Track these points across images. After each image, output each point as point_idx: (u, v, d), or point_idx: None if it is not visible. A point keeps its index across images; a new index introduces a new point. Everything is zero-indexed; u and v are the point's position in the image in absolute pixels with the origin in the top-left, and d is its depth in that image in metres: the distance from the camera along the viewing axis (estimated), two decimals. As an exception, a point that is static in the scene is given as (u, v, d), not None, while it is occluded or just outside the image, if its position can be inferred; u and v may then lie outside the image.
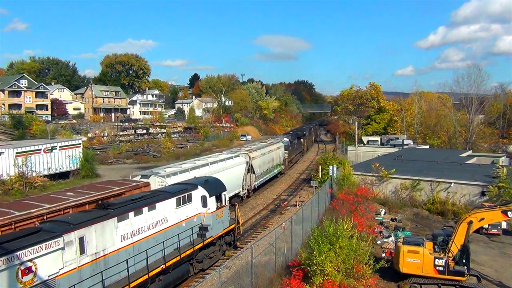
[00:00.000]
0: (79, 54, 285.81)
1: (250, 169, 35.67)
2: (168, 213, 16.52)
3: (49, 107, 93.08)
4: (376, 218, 26.23)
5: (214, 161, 29.92)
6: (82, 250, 12.39)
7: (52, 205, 16.23)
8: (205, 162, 29.15)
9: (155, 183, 22.73)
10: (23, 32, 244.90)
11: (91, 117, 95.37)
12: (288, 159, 51.72)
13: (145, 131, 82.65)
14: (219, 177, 25.21)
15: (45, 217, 15.12)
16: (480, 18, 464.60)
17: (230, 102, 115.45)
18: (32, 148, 38.86)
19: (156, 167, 28.02)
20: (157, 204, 15.97)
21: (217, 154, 34.70)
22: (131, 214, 14.56)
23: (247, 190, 35.54)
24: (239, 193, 33.14)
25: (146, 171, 26.14)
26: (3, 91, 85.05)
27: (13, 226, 14.13)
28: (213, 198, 19.18)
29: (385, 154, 47.58)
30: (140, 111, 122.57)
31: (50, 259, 11.34)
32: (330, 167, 32.65)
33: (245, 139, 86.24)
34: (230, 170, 30.90)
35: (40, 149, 39.56)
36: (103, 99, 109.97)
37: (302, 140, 66.68)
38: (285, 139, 53.45)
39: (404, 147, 53.59)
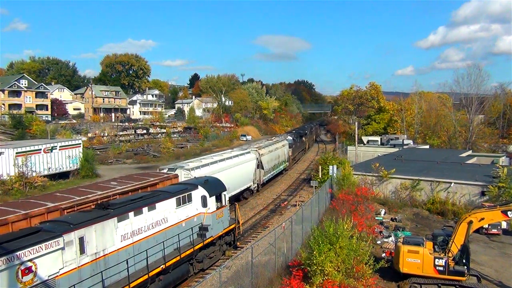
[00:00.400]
0: (79, 54, 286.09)
1: (259, 165, 37.92)
2: (168, 213, 16.52)
3: (49, 107, 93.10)
4: (376, 218, 26.23)
5: (229, 157, 32.14)
6: (82, 250, 12.38)
7: (104, 192, 18.88)
8: (221, 158, 31.23)
9: (181, 175, 24.89)
10: (23, 32, 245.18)
11: (91, 117, 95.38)
12: (292, 156, 54.10)
13: (145, 131, 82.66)
14: (233, 172, 30.97)
15: (98, 202, 17.40)
16: (480, 18, 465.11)
17: (230, 102, 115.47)
18: (32, 148, 38.86)
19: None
20: (157, 204, 15.97)
21: (230, 151, 36.59)
22: (131, 214, 14.56)
23: (257, 184, 37.93)
24: (250, 186, 35.60)
25: (171, 165, 29.05)
26: (3, 91, 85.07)
27: (75, 209, 16.74)
28: (213, 198, 19.18)
29: (385, 154, 47.58)
30: (140, 111, 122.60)
31: (50, 259, 11.34)
32: (330, 167, 32.65)
33: (245, 139, 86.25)
34: (243, 165, 33.32)
35: (40, 149, 39.56)
36: (103, 99, 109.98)
37: (304, 139, 69.23)
38: (289, 137, 56.34)
39: (404, 147, 53.60)
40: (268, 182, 41.71)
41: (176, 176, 24.50)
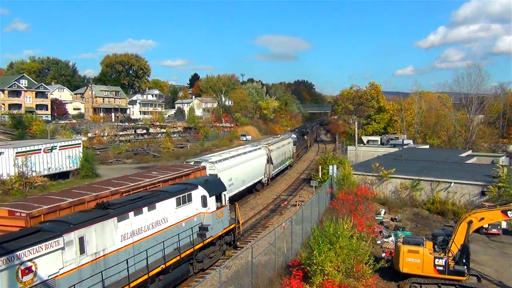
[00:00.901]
0: (79, 54, 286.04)
1: (269, 160, 41.25)
2: (168, 213, 16.52)
3: (49, 107, 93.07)
4: (376, 218, 26.23)
5: (244, 152, 35.57)
6: (82, 250, 12.38)
7: (151, 179, 22.07)
8: (237, 153, 34.38)
9: (207, 167, 27.90)
10: (23, 32, 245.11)
11: (91, 117, 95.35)
12: (296, 153, 57.75)
13: (145, 131, 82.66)
14: (249, 165, 34.47)
15: (147, 188, 20.66)
16: (480, 18, 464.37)
17: (230, 102, 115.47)
18: (32, 148, 38.86)
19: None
20: (157, 204, 15.97)
21: (243, 147, 39.91)
22: (131, 214, 14.56)
23: (267, 178, 41.21)
24: (261, 180, 39.00)
25: (196, 158, 32.48)
26: (3, 91, 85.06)
27: (131, 192, 19.60)
28: (213, 198, 19.18)
29: (385, 154, 47.56)
30: (140, 111, 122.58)
31: (50, 259, 11.34)
32: (330, 167, 32.63)
33: (245, 139, 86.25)
34: (256, 160, 36.61)
35: (40, 149, 39.56)
36: (103, 99, 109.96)
37: (306, 137, 73.13)
38: (293, 135, 60.32)
39: (404, 147, 53.58)
40: (275, 176, 45.27)
41: (204, 168, 27.73)
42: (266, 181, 40.74)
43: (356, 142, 51.38)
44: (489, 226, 22.78)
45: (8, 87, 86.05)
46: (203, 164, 28.32)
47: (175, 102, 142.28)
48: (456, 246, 15.54)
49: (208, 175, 25.87)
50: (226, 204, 20.72)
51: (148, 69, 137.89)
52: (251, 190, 37.07)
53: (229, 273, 15.09)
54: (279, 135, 62.84)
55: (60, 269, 11.63)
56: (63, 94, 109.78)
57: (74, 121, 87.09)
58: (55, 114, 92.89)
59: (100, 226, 13.14)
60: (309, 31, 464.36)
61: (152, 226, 15.55)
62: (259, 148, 39.35)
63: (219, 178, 26.37)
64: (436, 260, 15.68)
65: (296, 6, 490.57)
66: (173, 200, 16.94)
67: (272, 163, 42.01)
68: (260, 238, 19.79)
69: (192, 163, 29.11)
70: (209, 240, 18.81)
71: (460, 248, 15.53)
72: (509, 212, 15.09)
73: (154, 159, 60.02)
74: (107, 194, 18.55)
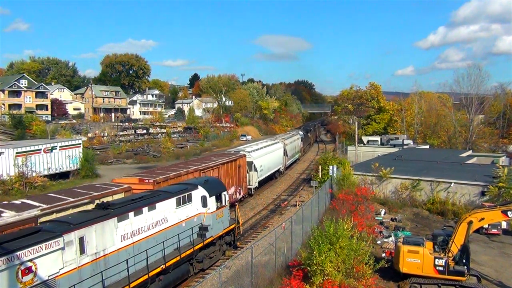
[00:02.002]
0: (79, 54, 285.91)
1: (285, 152, 48.42)
2: (168, 213, 16.52)
3: (49, 107, 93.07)
4: (376, 218, 26.23)
5: (268, 145, 43.00)
6: (82, 250, 12.38)
7: (213, 162, 28.68)
8: (264, 145, 41.64)
9: (246, 156, 34.81)
10: (23, 32, 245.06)
11: (91, 117, 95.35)
12: (302, 148, 65.94)
13: (145, 131, 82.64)
14: (272, 156, 42.24)
15: (213, 168, 27.67)
16: (480, 18, 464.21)
17: (230, 102, 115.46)
18: (32, 148, 38.86)
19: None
20: (157, 204, 15.97)
21: (265, 141, 47.93)
22: (131, 214, 14.56)
23: (284, 167, 48.69)
24: (279, 168, 46.39)
25: (234, 149, 40.78)
26: (3, 91, 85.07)
27: (204, 171, 26.34)
28: (213, 198, 19.18)
29: (385, 154, 47.58)
30: (140, 111, 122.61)
31: (50, 259, 11.34)
32: (330, 167, 32.63)
33: (245, 139, 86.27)
34: (276, 151, 44.21)
35: (40, 149, 39.56)
36: (103, 99, 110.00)
37: (309, 134, 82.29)
38: (300, 132, 69.15)
39: (404, 147, 53.58)
40: (289, 167, 52.73)
41: (245, 156, 34.55)
42: (283, 170, 48.45)
43: (356, 142, 51.39)
44: (489, 226, 22.78)
45: (8, 87, 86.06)
46: (241, 153, 34.93)
47: (175, 102, 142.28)
48: (456, 246, 15.54)
49: (247, 161, 34.39)
50: (226, 204, 20.71)
51: (148, 69, 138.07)
52: (272, 177, 43.76)
53: (229, 273, 15.08)
54: (289, 132, 71.71)
55: (60, 269, 11.63)
56: (63, 94, 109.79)
57: (74, 121, 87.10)
58: (55, 114, 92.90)
59: (100, 226, 13.14)
60: (310, 31, 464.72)
61: (152, 226, 15.55)
62: (277, 142, 46.59)
63: (254, 164, 36.04)
64: (436, 260, 15.68)
65: (297, 6, 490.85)
66: (173, 200, 16.93)
67: (287, 155, 49.73)
68: (260, 238, 19.79)
69: (232, 152, 36.45)
70: (209, 240, 18.81)
71: (460, 248, 15.53)
72: (509, 212, 15.10)
73: (154, 159, 60.00)
74: (192, 171, 25.60)
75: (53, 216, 15.54)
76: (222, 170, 29.47)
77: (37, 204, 16.26)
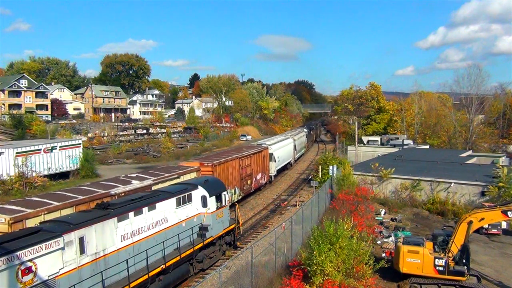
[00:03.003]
0: (80, 54, 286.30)
1: (294, 147, 54.94)
2: (168, 213, 16.52)
3: (49, 107, 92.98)
4: (376, 218, 26.23)
5: (282, 139, 50.81)
6: (82, 250, 12.38)
7: (242, 153, 34.01)
8: (279, 140, 49.58)
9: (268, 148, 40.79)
10: (24, 32, 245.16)
11: (91, 117, 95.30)
12: (307, 144, 73.86)
13: (145, 131, 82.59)
14: (286, 149, 49.98)
15: (246, 157, 33.83)
16: (480, 19, 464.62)
17: (230, 102, 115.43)
18: (32, 148, 38.84)
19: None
20: (157, 204, 15.96)
21: (277, 136, 56.88)
22: (131, 214, 14.56)
23: (293, 160, 55.24)
24: (290, 161, 52.85)
25: (257, 142, 49.31)
26: (3, 91, 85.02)
27: (242, 158, 32.60)
28: (213, 198, 19.17)
29: (385, 154, 47.56)
30: (140, 111, 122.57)
31: (50, 259, 11.34)
32: (330, 167, 32.62)
33: (245, 139, 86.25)
34: (288, 146, 51.61)
35: (40, 149, 39.54)
36: (103, 99, 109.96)
37: (312, 132, 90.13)
38: (305, 130, 77.38)
39: (404, 147, 53.57)
40: (297, 160, 59.68)
41: (267, 148, 40.51)
42: (292, 162, 55.09)
43: (356, 142, 51.40)
44: (489, 226, 22.78)
45: (8, 87, 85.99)
46: (263, 146, 41.23)
47: (175, 102, 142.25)
48: (456, 246, 15.54)
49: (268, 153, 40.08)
50: (226, 204, 20.71)
51: (148, 69, 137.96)
52: (284, 168, 49.98)
53: (229, 273, 15.05)
54: (295, 130, 79.35)
55: (60, 269, 11.63)
56: (63, 94, 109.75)
57: (74, 121, 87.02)
58: (55, 114, 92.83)
59: (100, 226, 13.14)
60: (310, 31, 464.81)
61: (152, 226, 15.55)
62: (288, 138, 53.99)
63: (273, 156, 41.96)
64: (436, 260, 15.68)
65: (297, 6, 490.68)
66: (173, 200, 16.93)
67: (295, 149, 56.36)
68: (260, 238, 19.77)
69: (255, 145, 43.19)
70: (209, 240, 18.81)
71: (460, 248, 15.53)
72: (509, 212, 15.10)
73: (154, 159, 59.97)
74: (238, 157, 32.22)
75: (163, 185, 21.26)
76: (253, 158, 35.55)
77: (149, 176, 22.52)
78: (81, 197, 17.30)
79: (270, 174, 41.39)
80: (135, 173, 24.30)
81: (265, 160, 38.92)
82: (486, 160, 43.07)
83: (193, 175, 25.12)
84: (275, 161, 42.69)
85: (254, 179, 35.48)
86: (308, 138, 75.64)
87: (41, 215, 15.17)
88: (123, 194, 18.78)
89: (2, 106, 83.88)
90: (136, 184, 20.70)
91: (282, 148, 47.25)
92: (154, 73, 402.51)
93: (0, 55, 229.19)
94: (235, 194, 30.36)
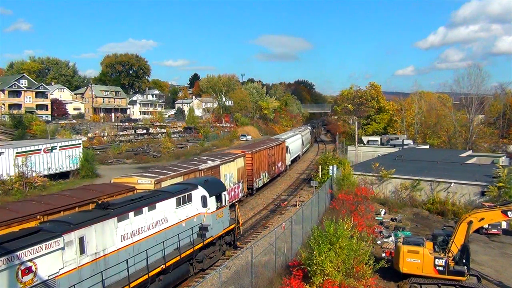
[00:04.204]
0: (80, 54, 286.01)
1: (302, 142, 63.65)
2: (168, 213, 16.52)
3: (49, 107, 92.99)
4: (376, 218, 26.23)
5: (292, 135, 59.27)
6: (82, 250, 12.38)
7: (272, 143, 42.64)
8: (291, 135, 59.20)
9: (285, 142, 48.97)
10: (24, 32, 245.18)
11: (91, 117, 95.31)
12: (311, 140, 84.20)
13: (145, 131, 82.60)
14: (296, 144, 57.79)
15: (270, 148, 40.91)
16: (480, 19, 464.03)
17: (230, 102, 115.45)
18: (32, 148, 38.85)
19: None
20: (157, 204, 15.96)
21: (287, 133, 66.12)
22: (131, 214, 14.56)
23: (301, 153, 64.02)
24: (299, 154, 61.17)
25: (275, 136, 61.28)
26: (3, 91, 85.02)
27: (270, 148, 40.59)
28: (213, 198, 19.17)
29: (385, 154, 47.57)
30: (140, 111, 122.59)
31: (50, 259, 11.34)
32: (330, 167, 32.64)
33: (245, 139, 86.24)
34: (298, 140, 59.90)
35: (40, 149, 39.54)
36: (103, 99, 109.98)
37: (314, 130, 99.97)
38: (309, 127, 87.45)
39: (404, 147, 53.57)
40: (304, 153, 68.25)
41: (284, 142, 48.45)
42: (301, 155, 63.71)
43: (356, 142, 51.40)
44: (489, 226, 22.78)
45: (8, 87, 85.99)
46: (280, 139, 50.00)
47: (175, 102, 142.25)
48: (456, 246, 15.55)
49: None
50: (226, 204, 20.71)
51: (148, 69, 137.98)
52: (294, 160, 57.49)
53: (229, 273, 15.06)
54: (301, 127, 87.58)
55: (60, 269, 11.63)
56: (63, 94, 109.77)
57: (74, 121, 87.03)
58: (55, 114, 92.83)
59: (100, 226, 13.14)
60: (310, 31, 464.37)
61: (152, 226, 15.55)
62: (298, 134, 62.62)
63: (289, 148, 50.03)
64: (436, 260, 15.68)
65: (297, 6, 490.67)
66: (173, 200, 16.93)
67: (303, 144, 64.86)
68: (260, 238, 19.78)
69: (273, 139, 53.66)
70: (209, 240, 18.81)
71: (460, 248, 15.54)
72: (509, 212, 15.11)
73: (154, 159, 59.99)
74: (273, 146, 41.83)
75: (226, 165, 29.56)
76: (276, 149, 43.53)
77: (216, 159, 29.56)
78: (183, 170, 25.09)
79: (286, 164, 49.54)
80: (205, 157, 32.12)
81: (283, 151, 47.35)
82: (486, 160, 43.08)
83: (242, 159, 33.05)
84: (289, 153, 50.69)
85: (276, 166, 43.64)
86: (312, 135, 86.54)
87: (168, 180, 22.63)
88: (205, 169, 26.66)
89: (2, 106, 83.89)
90: (210, 163, 28.09)
91: (294, 142, 55.89)
92: (154, 73, 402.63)
93: (0, 55, 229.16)
94: (265, 177, 39.19)
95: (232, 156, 31.95)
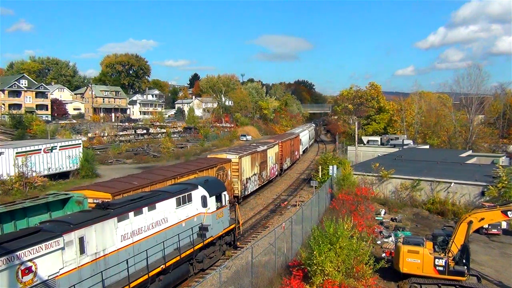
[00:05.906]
0: (80, 54, 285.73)
1: (309, 136, 76.09)
2: (168, 213, 16.51)
3: (49, 107, 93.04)
4: (376, 218, 26.23)
5: (302, 130, 70.47)
6: (82, 250, 12.37)
7: (292, 136, 56.96)
8: (301, 130, 71.85)
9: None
10: (24, 32, 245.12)
11: (91, 117, 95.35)
12: (315, 136, 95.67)
13: (145, 131, 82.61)
14: (305, 138, 69.87)
15: (291, 140, 53.64)
16: (480, 19, 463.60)
17: (230, 102, 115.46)
18: (32, 148, 38.83)
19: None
20: (157, 204, 15.96)
21: (296, 129, 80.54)
22: (131, 214, 14.55)
23: (308, 146, 76.17)
24: (307, 147, 72.12)
25: (289, 131, 79.49)
26: (3, 91, 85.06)
27: (285, 142, 49.18)
28: (213, 198, 19.17)
29: (385, 154, 47.58)
30: (140, 111, 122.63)
31: (50, 259, 11.33)
32: (330, 167, 32.64)
33: (245, 139, 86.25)
34: (306, 135, 71.21)
35: (40, 149, 39.53)
36: (103, 99, 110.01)
37: (316, 127, 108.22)
38: (313, 125, 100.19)
39: (404, 147, 53.58)
40: (310, 146, 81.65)
41: (298, 135, 60.55)
42: (308, 148, 74.85)
43: (356, 142, 51.40)
44: (489, 226, 22.79)
45: (8, 87, 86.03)
46: (295, 133, 61.31)
47: (175, 102, 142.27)
48: (456, 246, 15.55)
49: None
50: (226, 204, 20.70)
51: (148, 69, 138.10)
52: (304, 151, 68.18)
53: (229, 273, 15.07)
54: (307, 124, 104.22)
55: (60, 269, 11.62)
56: (63, 94, 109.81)
57: (74, 121, 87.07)
58: (55, 114, 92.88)
59: (100, 226, 13.14)
60: (310, 31, 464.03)
61: (152, 226, 15.55)
62: (305, 130, 74.37)
63: (301, 140, 62.46)
64: (436, 260, 15.68)
65: (297, 6, 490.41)
66: (173, 200, 16.93)
67: (310, 138, 77.83)
68: (260, 238, 19.79)
69: (289, 133, 64.58)
70: (209, 240, 18.81)
71: (460, 248, 15.54)
72: (509, 212, 15.10)
73: (154, 159, 59.95)
74: (292, 138, 54.35)
75: (272, 149, 39.85)
76: (294, 141, 54.73)
77: (263, 145, 39.56)
78: (250, 150, 34.93)
79: (300, 153, 61.25)
80: (255, 143, 43.36)
81: (298, 143, 59.60)
82: (486, 160, 43.10)
83: (276, 146, 42.91)
84: (301, 144, 62.46)
85: (294, 154, 55.42)
86: (315, 131, 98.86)
87: (245, 156, 32.60)
88: (261, 151, 36.48)
89: (2, 106, 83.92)
90: (261, 147, 37.99)
91: (304, 136, 68.25)
92: (154, 73, 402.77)
93: (0, 55, 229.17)
94: (289, 162, 50.89)
95: (272, 143, 42.77)
